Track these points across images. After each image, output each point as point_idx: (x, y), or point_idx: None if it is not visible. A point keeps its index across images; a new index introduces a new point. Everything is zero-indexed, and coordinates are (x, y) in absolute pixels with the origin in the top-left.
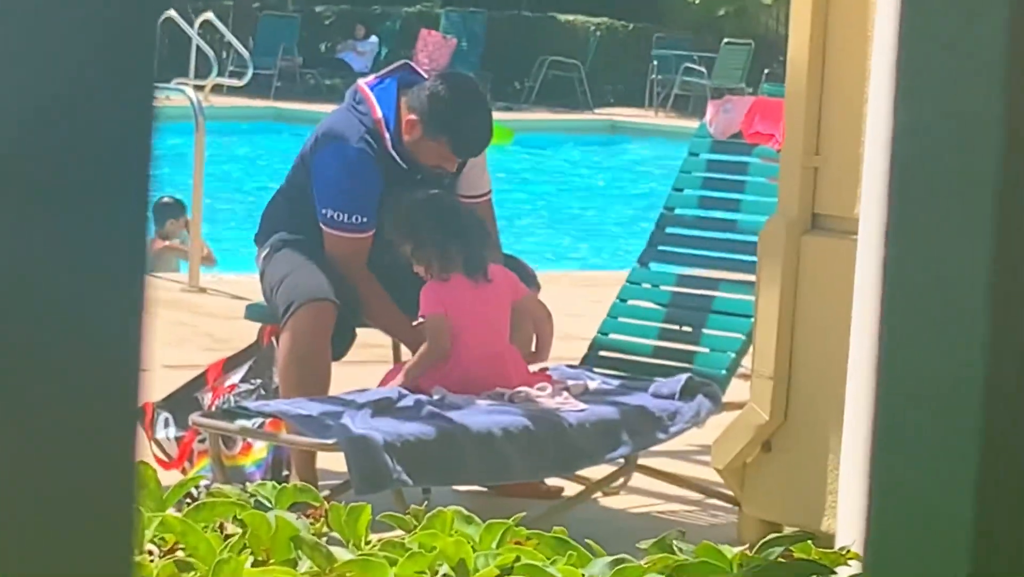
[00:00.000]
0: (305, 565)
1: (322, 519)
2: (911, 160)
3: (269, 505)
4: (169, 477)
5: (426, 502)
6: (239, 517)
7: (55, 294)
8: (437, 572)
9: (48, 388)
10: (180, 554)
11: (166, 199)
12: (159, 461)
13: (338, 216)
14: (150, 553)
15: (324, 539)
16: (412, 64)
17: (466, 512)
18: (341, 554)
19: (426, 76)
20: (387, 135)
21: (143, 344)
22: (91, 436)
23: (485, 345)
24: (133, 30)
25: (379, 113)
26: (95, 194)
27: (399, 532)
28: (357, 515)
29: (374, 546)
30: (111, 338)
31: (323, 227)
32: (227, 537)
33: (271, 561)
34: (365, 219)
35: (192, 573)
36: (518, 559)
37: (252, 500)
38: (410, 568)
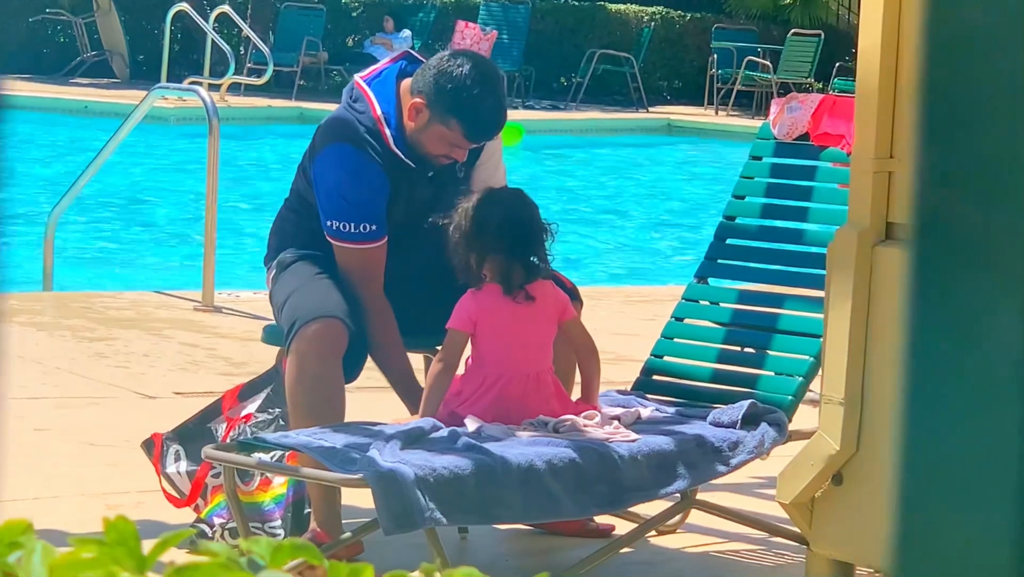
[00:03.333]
0: None
1: None
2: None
3: (262, 564)
4: (181, 515)
5: (462, 542)
6: None
7: None
8: None
9: None
10: None
11: None
12: (170, 498)
13: (344, 227)
14: None
15: None
16: (413, 52)
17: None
18: None
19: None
20: (388, 133)
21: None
22: None
23: (527, 364)
24: None
25: (378, 111)
26: None
27: None
28: (358, 575)
29: None
30: None
31: (331, 240)
32: None
33: None
34: (375, 227)
35: None
36: None
37: (245, 559)
38: None
